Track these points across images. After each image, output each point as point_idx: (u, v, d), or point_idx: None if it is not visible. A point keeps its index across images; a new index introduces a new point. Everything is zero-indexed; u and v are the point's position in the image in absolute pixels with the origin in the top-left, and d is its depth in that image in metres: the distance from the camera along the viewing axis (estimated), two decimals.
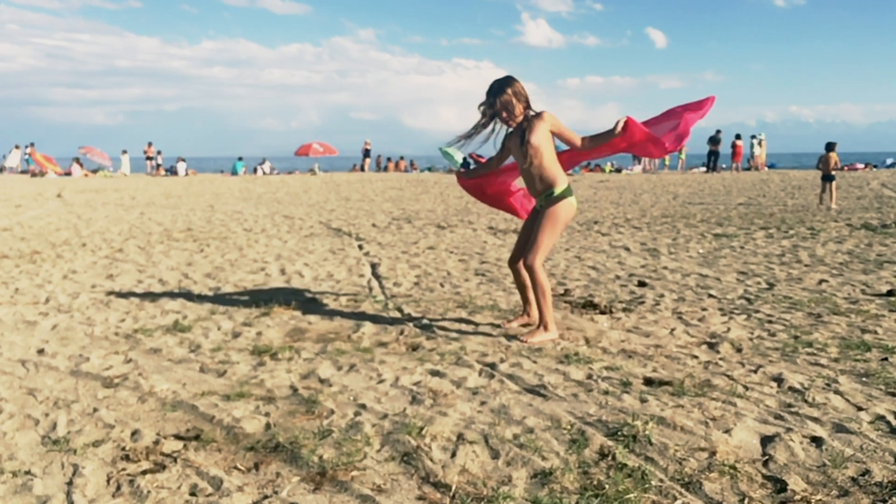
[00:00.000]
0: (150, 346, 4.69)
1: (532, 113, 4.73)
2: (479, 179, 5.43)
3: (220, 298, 6.15)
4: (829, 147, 15.60)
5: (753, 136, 33.82)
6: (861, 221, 11.58)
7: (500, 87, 4.67)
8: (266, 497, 2.69)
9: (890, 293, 6.03)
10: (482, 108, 4.77)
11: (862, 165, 34.03)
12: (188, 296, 6.26)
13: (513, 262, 5.06)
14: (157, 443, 3.17)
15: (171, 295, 6.31)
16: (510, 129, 4.83)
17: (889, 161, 36.72)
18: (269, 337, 4.88)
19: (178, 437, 3.25)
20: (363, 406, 3.55)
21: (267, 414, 3.48)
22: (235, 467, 2.94)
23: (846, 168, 31.84)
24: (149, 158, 36.96)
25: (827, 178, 15.17)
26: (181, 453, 3.06)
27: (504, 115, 4.71)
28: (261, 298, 6.07)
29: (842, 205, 14.88)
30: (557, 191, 4.71)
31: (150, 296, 6.27)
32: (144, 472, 2.88)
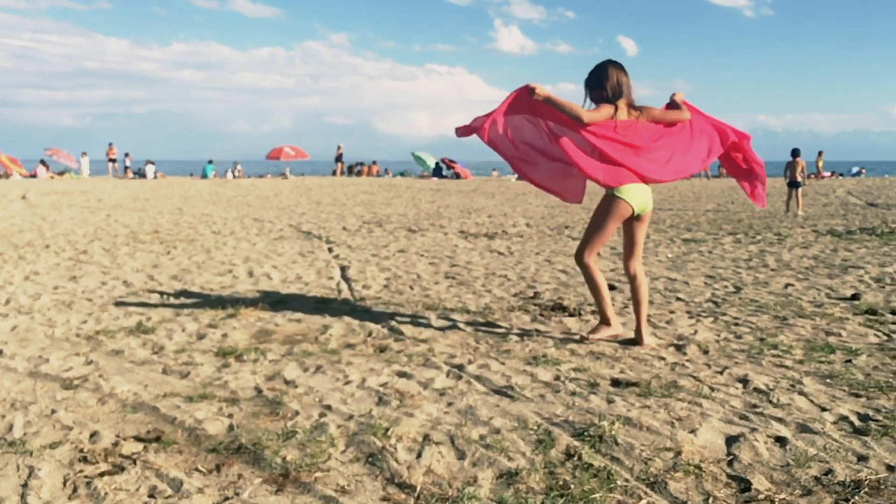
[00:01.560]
0: (111, 347, 4.60)
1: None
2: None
3: (186, 300, 6.06)
4: (795, 153, 15.82)
5: None
6: (827, 228, 11.75)
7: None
8: (227, 499, 2.64)
9: (854, 297, 6.10)
10: (623, 80, 4.52)
11: (828, 174, 34.57)
12: (153, 297, 6.17)
13: (590, 258, 4.79)
14: (116, 444, 3.10)
15: (136, 296, 6.21)
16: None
17: (855, 170, 37.39)
18: (235, 339, 4.82)
19: (138, 438, 3.18)
20: (328, 407, 3.51)
21: (230, 415, 3.42)
22: (196, 469, 2.88)
23: (812, 176, 32.33)
24: (111, 160, 36.45)
25: (793, 184, 15.39)
26: (141, 455, 3.00)
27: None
28: (227, 300, 5.99)
29: (808, 211, 15.10)
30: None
31: (114, 297, 6.16)
32: (102, 474, 2.82)
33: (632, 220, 4.64)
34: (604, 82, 4.50)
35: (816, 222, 12.78)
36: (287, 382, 3.90)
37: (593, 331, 4.77)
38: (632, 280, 4.71)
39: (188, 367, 4.16)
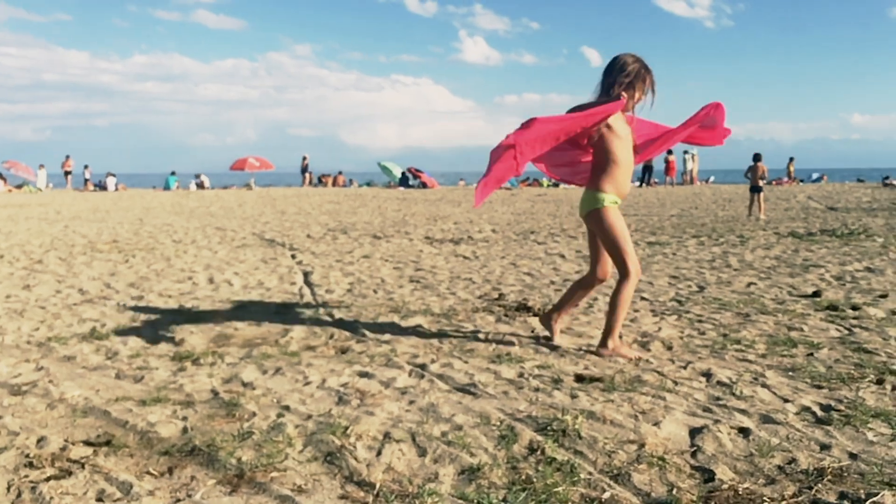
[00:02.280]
0: (63, 353, 4.46)
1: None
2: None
3: (143, 307, 5.92)
4: (757, 158, 16.04)
5: (686, 152, 34.65)
6: (788, 230, 11.90)
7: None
8: (178, 500, 2.54)
9: (815, 294, 6.15)
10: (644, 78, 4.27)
11: (788, 180, 35.15)
12: (108, 305, 6.01)
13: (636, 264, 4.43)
14: (63, 449, 2.98)
15: (91, 304, 6.05)
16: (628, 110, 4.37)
17: (815, 176, 38.06)
18: (192, 343, 4.70)
19: (87, 443, 3.06)
20: (287, 408, 3.42)
21: (184, 418, 3.32)
22: (147, 472, 2.78)
23: (774, 182, 32.84)
24: (67, 173, 35.81)
25: (755, 189, 15.59)
26: (89, 459, 2.88)
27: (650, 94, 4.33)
28: (186, 306, 5.86)
29: (770, 216, 15.29)
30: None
31: (68, 305, 6.00)
32: (48, 479, 2.70)
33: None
34: (636, 82, 4.26)
35: (778, 225, 12.94)
36: (245, 384, 3.81)
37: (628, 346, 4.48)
38: (594, 285, 4.61)
39: (142, 372, 4.05)
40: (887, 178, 31.96)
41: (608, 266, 4.49)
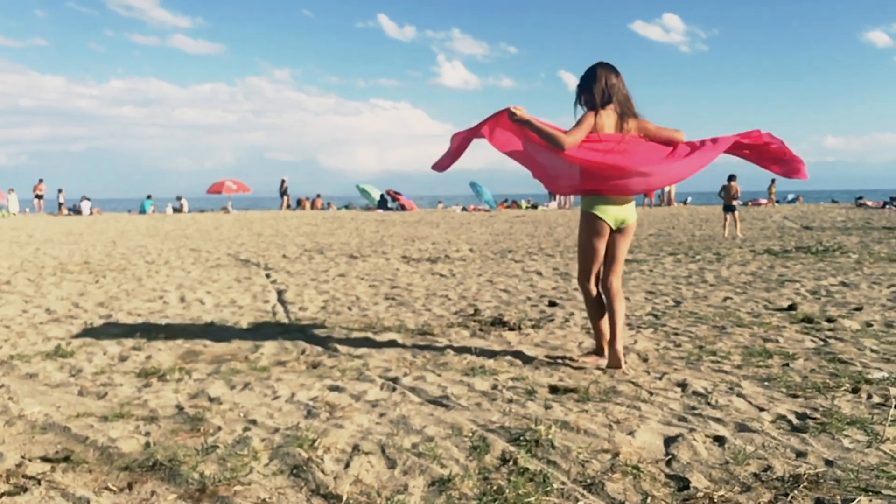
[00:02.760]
0: (25, 371, 4.33)
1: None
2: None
3: (111, 325, 5.79)
4: (731, 178, 16.18)
5: None
6: (764, 248, 11.97)
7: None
8: None
9: (791, 307, 6.16)
10: (612, 83, 4.18)
11: (765, 200, 35.50)
12: (75, 323, 5.87)
13: (588, 282, 4.39)
14: (20, 465, 2.86)
15: (57, 323, 5.91)
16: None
17: (790, 197, 38.49)
18: (160, 360, 4.59)
19: (45, 458, 2.95)
20: (253, 422, 3.32)
21: (147, 433, 3.21)
22: (106, 487, 2.68)
23: (750, 203, 33.16)
24: (38, 197, 35.37)
25: (729, 208, 15.70)
26: (46, 475, 2.77)
27: (630, 102, 4.25)
28: (155, 324, 5.74)
29: (746, 235, 15.39)
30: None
31: (34, 324, 5.86)
32: (2, 495, 2.59)
33: (612, 234, 4.30)
34: (591, 85, 4.19)
35: (754, 244, 13.01)
36: (211, 399, 3.71)
37: (585, 354, 4.54)
38: (607, 293, 4.27)
39: (106, 388, 3.93)
40: (860, 197, 32.39)
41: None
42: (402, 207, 34.86)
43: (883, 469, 2.71)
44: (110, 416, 3.44)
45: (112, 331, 5.53)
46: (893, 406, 3.40)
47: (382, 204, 35.60)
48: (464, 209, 34.31)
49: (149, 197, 35.68)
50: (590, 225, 4.26)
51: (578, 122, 4.13)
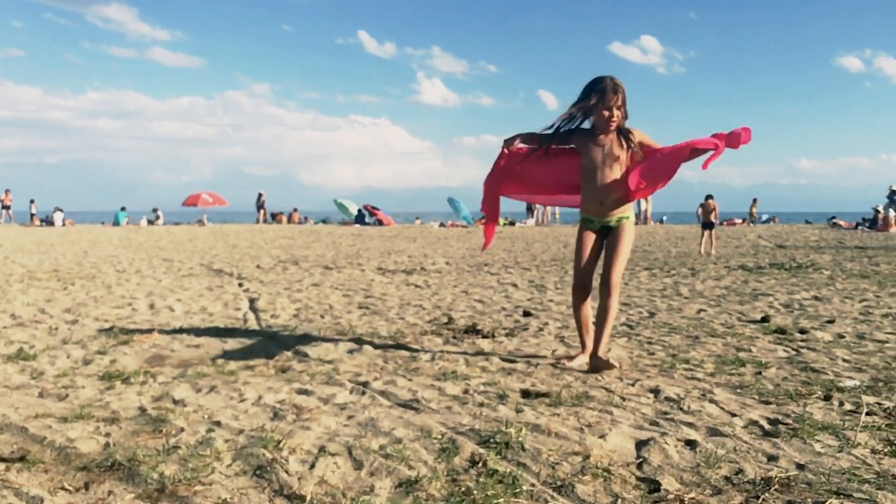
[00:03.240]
0: None
1: (626, 125, 4.38)
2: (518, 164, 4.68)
3: (77, 330, 5.66)
4: (709, 196, 16.33)
5: None
6: (738, 264, 12.03)
7: (618, 85, 4.27)
8: None
9: (764, 319, 6.17)
10: (609, 95, 4.24)
11: (740, 220, 35.88)
12: (40, 328, 5.74)
13: (582, 291, 4.56)
14: None
15: (22, 327, 5.77)
16: (585, 130, 4.41)
17: (765, 217, 38.88)
18: (125, 363, 4.48)
19: None
20: (217, 423, 3.24)
21: (107, 434, 3.12)
22: (62, 487, 2.59)
23: (726, 223, 33.47)
24: (5, 207, 34.83)
25: (707, 226, 15.82)
26: (0, 474, 2.68)
27: (620, 113, 4.28)
28: (122, 330, 5.63)
29: (721, 252, 15.49)
30: (631, 215, 4.48)
31: None
32: None
33: (599, 236, 4.49)
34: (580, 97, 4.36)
35: (729, 260, 13.09)
36: (175, 402, 3.62)
37: (569, 358, 4.59)
38: (612, 291, 4.35)
39: (67, 391, 3.83)
40: (833, 217, 32.79)
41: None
42: (380, 222, 34.79)
43: (854, 473, 2.68)
44: (70, 417, 3.34)
45: (77, 336, 5.41)
46: (864, 413, 3.39)
47: (360, 218, 35.51)
48: (441, 225, 34.31)
49: (123, 209, 35.31)
50: (580, 231, 4.56)
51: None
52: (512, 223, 35.37)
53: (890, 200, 28.92)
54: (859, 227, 28.08)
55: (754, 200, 36.85)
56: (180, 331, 5.64)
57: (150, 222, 34.85)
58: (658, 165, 4.31)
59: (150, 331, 5.52)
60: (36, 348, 4.91)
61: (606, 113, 4.27)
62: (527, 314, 6.54)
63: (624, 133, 4.34)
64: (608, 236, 4.45)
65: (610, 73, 4.35)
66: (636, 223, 33.27)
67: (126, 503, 2.45)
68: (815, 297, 7.63)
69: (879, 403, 3.58)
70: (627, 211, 4.45)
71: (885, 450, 2.93)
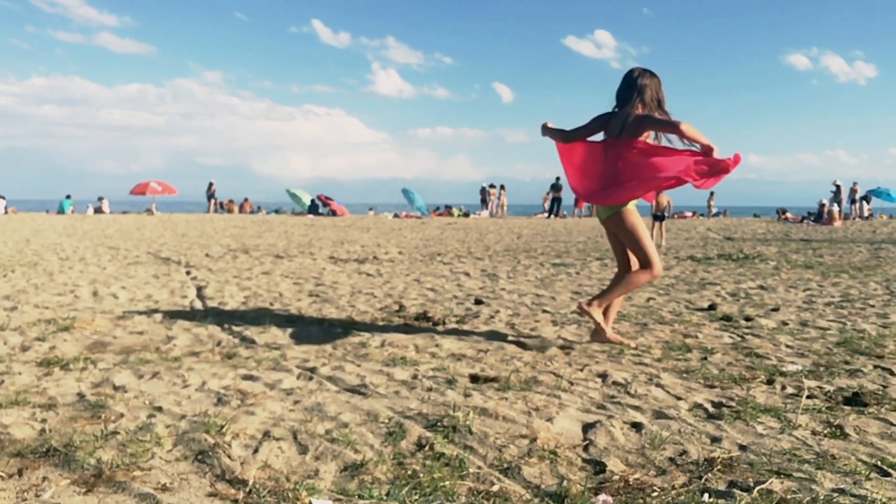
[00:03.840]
0: None
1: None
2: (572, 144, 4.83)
3: (15, 317, 5.48)
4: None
5: None
6: (687, 255, 12.21)
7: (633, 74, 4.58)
8: (24, 501, 2.28)
9: (711, 307, 6.26)
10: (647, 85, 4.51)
11: (690, 213, 36.44)
12: None
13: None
14: None
15: None
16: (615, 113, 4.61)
17: (715, 210, 39.56)
18: (64, 350, 4.36)
19: None
20: (159, 409, 3.16)
21: (43, 420, 3.02)
22: None
23: (676, 216, 33.97)
24: None
25: (658, 217, 16.00)
26: None
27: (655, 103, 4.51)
28: (63, 317, 5.47)
29: (671, 244, 15.70)
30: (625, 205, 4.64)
31: None
32: None
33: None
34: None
35: (678, 251, 13.28)
36: (116, 388, 3.52)
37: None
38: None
39: (2, 377, 3.69)
40: (783, 210, 33.43)
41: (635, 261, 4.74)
42: (333, 213, 34.51)
43: (794, 453, 2.73)
44: (4, 403, 3.23)
45: (15, 322, 5.24)
46: (805, 395, 3.46)
47: (313, 209, 35.18)
48: (395, 216, 34.18)
49: (68, 197, 34.44)
50: (636, 216, 4.71)
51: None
52: (466, 214, 35.41)
53: (834, 195, 29.66)
54: (805, 221, 28.74)
55: (711, 194, 37.39)
56: (124, 317, 5.51)
57: (97, 210, 34.05)
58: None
59: (91, 318, 5.37)
60: None
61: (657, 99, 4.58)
62: (478, 302, 6.54)
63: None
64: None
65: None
66: (588, 215, 33.52)
67: (61, 489, 2.37)
68: (761, 287, 7.78)
69: (820, 387, 3.66)
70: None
71: (825, 431, 2.99)
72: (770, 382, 3.76)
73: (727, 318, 5.70)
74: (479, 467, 2.59)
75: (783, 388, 3.66)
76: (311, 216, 33.18)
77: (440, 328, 5.21)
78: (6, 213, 31.84)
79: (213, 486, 2.42)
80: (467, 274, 8.93)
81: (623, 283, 4.66)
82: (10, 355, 4.22)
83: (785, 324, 5.50)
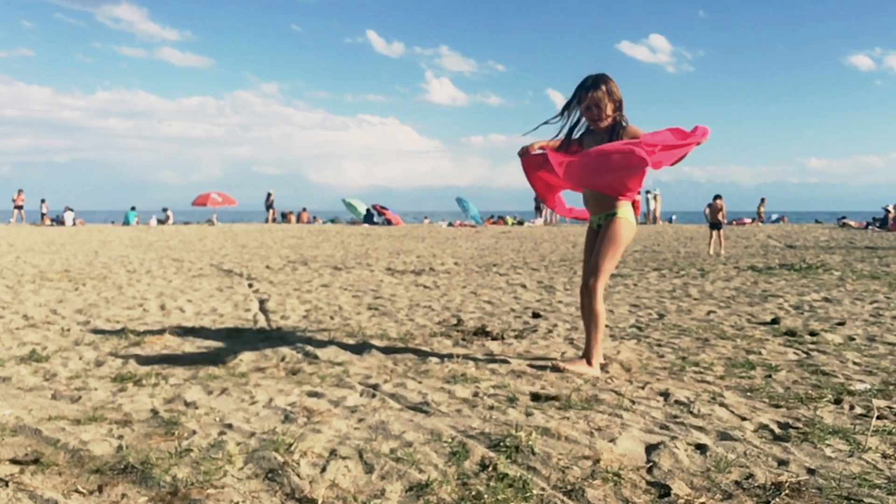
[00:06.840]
0: None
1: (624, 123, 4.33)
2: (540, 158, 4.72)
3: (88, 331, 5.70)
4: (717, 196, 16.29)
5: (648, 192, 35.12)
6: (748, 265, 12.01)
7: (594, 83, 4.28)
8: None
9: (774, 321, 6.16)
10: (570, 99, 4.39)
11: (749, 220, 35.75)
12: (52, 329, 5.78)
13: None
14: None
15: (34, 328, 5.81)
16: (590, 129, 4.46)
17: (774, 216, 38.76)
18: (136, 365, 4.51)
19: (13, 461, 2.88)
20: (229, 426, 3.26)
21: (120, 437, 3.14)
22: (76, 490, 2.61)
23: (735, 222, 33.38)
24: (18, 207, 34.95)
25: (715, 226, 15.77)
26: (15, 477, 2.70)
27: (594, 112, 4.30)
28: (133, 331, 5.66)
29: (730, 252, 15.45)
30: (621, 212, 4.39)
31: (9, 329, 5.76)
32: None
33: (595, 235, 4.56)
34: (619, 98, 4.41)
35: (738, 261, 13.06)
36: (187, 404, 3.64)
37: (572, 361, 4.48)
38: (591, 297, 4.37)
39: (80, 392, 3.86)
40: (843, 217, 32.62)
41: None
42: (388, 222, 34.83)
43: (865, 478, 2.68)
44: (83, 419, 3.36)
45: (89, 337, 5.45)
46: (875, 416, 3.39)
47: (368, 218, 35.55)
48: (450, 224, 34.32)
49: (133, 208, 35.47)
50: (631, 233, 4.53)
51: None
52: (521, 222, 35.35)
53: None
54: (870, 227, 27.94)
55: (762, 200, 36.68)
56: (191, 332, 5.67)
57: (161, 222, 34.98)
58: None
59: (161, 332, 5.55)
60: (48, 349, 4.95)
61: (586, 112, 4.35)
62: (536, 315, 6.55)
63: (615, 131, 4.31)
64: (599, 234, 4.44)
65: (606, 71, 4.37)
66: (643, 222, 33.18)
67: None
68: (826, 299, 7.61)
69: (890, 407, 3.58)
70: (616, 207, 4.39)
71: None
72: (838, 402, 3.69)
73: (791, 332, 5.60)
74: (543, 489, 2.61)
75: (851, 407, 3.59)
76: (366, 225, 33.54)
77: (499, 343, 5.23)
78: (74, 224, 32.95)
79: None
80: (524, 286, 8.93)
81: (594, 323, 4.35)
82: (85, 370, 4.39)
83: (852, 339, 5.37)
